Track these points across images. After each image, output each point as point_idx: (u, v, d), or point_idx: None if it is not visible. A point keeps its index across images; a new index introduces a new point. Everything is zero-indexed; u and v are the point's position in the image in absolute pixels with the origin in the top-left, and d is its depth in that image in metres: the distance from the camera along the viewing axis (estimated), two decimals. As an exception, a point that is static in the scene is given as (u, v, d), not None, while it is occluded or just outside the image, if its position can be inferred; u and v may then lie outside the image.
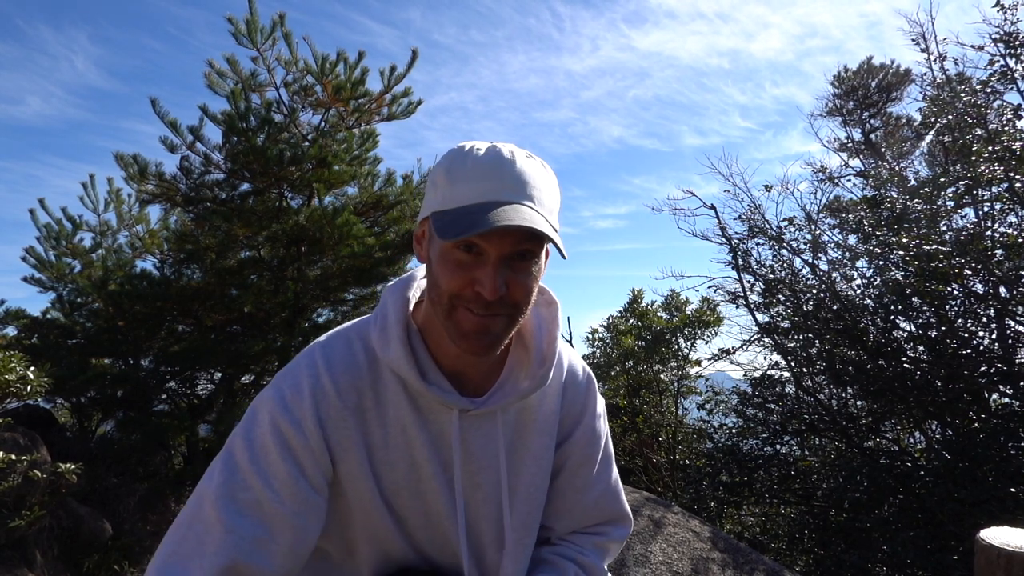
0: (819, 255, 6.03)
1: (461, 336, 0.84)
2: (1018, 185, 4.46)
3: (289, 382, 0.88)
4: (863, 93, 12.06)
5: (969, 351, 4.56)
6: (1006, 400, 4.49)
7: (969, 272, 4.45)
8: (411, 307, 0.96)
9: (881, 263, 5.18)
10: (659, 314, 10.11)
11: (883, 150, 10.35)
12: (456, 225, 0.79)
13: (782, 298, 6.06)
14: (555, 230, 0.83)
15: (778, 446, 5.86)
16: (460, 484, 0.91)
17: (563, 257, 0.86)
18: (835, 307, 5.43)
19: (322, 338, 0.96)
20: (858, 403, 5.71)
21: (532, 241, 0.83)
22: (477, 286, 0.81)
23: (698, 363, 8.82)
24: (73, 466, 4.47)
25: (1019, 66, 4.70)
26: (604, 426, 1.09)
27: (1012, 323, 4.64)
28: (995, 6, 4.78)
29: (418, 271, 0.99)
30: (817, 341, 5.64)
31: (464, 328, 0.83)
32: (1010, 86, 4.78)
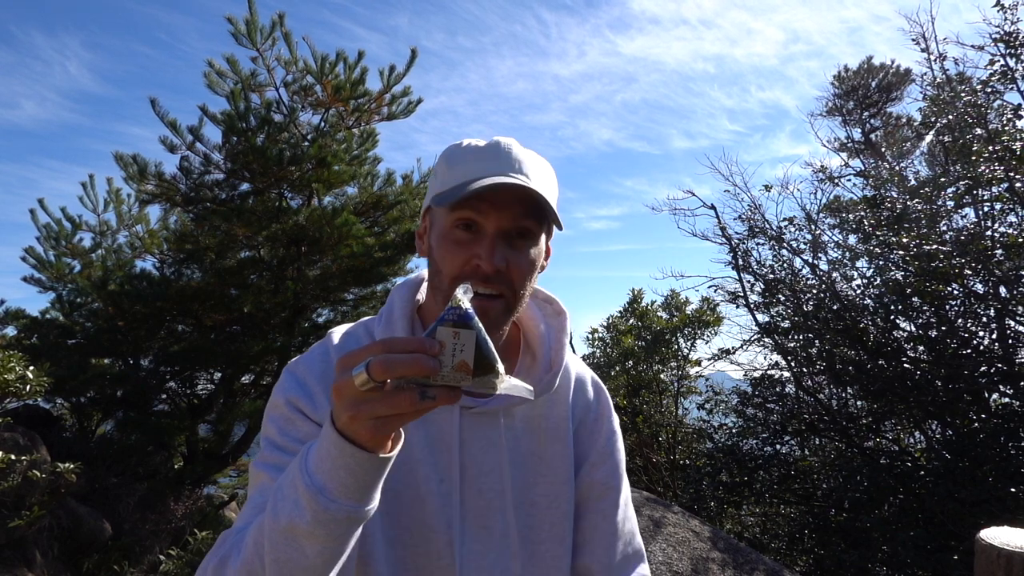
0: (819, 255, 6.02)
1: None
2: (1018, 185, 4.46)
3: (301, 361, 0.91)
4: (863, 93, 12.06)
5: (969, 351, 4.56)
6: (1006, 400, 4.48)
7: (969, 272, 4.44)
8: (417, 306, 0.98)
9: (881, 263, 5.17)
10: (659, 314, 10.11)
11: (883, 150, 10.35)
12: (453, 194, 0.82)
13: (782, 298, 6.06)
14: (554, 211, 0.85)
15: (778, 446, 5.86)
16: (458, 481, 0.88)
17: (559, 228, 0.89)
18: (835, 307, 5.43)
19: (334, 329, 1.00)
20: (858, 403, 5.70)
21: (531, 218, 0.85)
22: (476, 260, 0.82)
23: (698, 363, 8.82)
24: (72, 466, 4.47)
25: (1019, 66, 4.69)
26: (621, 443, 1.05)
27: (1012, 323, 4.64)
28: (995, 6, 4.77)
29: (425, 272, 0.98)
30: (817, 341, 5.64)
31: None
32: (1010, 86, 4.77)
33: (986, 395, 4.50)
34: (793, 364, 5.92)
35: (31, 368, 4.50)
